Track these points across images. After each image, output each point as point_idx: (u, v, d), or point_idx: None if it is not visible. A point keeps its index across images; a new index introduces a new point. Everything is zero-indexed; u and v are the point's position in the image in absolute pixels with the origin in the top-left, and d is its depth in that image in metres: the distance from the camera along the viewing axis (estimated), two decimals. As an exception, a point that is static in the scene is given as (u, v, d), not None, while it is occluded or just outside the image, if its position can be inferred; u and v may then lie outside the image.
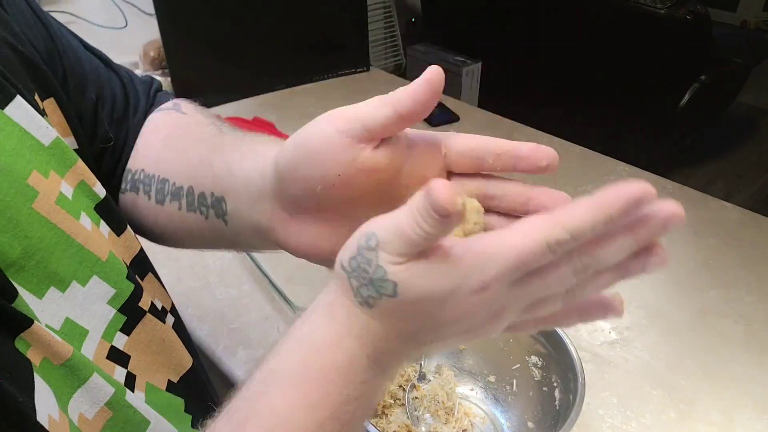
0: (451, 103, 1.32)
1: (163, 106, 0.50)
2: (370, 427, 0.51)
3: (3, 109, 0.33)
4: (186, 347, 0.46)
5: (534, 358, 0.61)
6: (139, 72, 1.36)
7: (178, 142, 0.45)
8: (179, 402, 0.44)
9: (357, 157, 0.31)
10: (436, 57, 2.47)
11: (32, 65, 0.38)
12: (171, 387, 0.43)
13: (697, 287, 0.82)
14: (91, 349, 0.36)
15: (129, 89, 0.49)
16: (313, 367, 0.29)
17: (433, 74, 0.30)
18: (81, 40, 0.48)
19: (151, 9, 1.23)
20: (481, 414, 0.63)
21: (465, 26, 2.50)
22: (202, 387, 0.48)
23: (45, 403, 0.30)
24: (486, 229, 0.30)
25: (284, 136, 1.15)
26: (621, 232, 0.27)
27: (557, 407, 0.56)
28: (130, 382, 0.39)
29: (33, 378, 0.30)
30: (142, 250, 0.44)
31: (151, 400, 0.40)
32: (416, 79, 0.30)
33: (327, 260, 0.35)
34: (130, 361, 0.39)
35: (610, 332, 0.75)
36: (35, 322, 0.30)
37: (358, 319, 0.29)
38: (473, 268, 0.27)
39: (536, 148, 0.31)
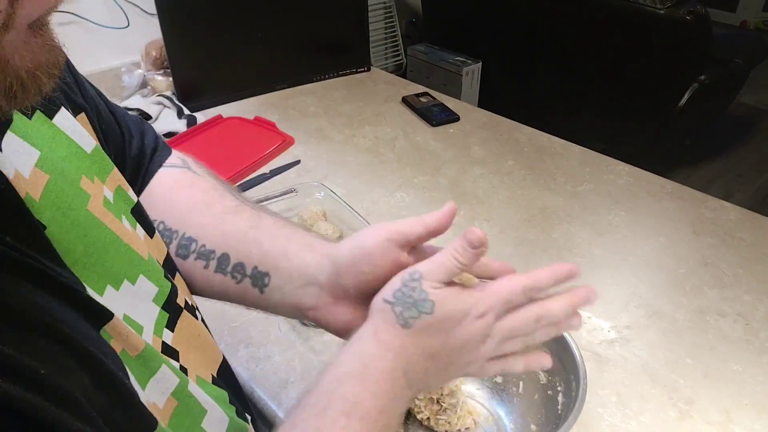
0: (451, 102, 1.32)
1: (171, 162, 0.54)
2: None
3: (51, 119, 0.36)
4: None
5: None
6: (140, 71, 1.37)
7: (208, 209, 0.51)
8: (224, 394, 0.46)
9: (398, 257, 0.43)
10: (436, 57, 2.48)
11: (63, 90, 0.41)
12: (215, 381, 0.46)
13: (696, 286, 0.82)
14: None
15: (126, 130, 0.52)
16: (369, 370, 0.38)
17: (451, 206, 0.43)
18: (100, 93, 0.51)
19: (153, 9, 1.24)
20: (485, 413, 0.64)
21: (465, 26, 2.51)
22: (235, 379, 0.51)
23: (136, 388, 0.32)
24: None
25: (285, 136, 1.14)
26: (564, 297, 0.42)
27: (559, 412, 0.57)
28: (184, 374, 0.41)
29: (124, 364, 0.32)
30: (169, 252, 0.47)
31: (204, 390, 0.42)
32: (441, 209, 0.43)
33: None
34: (180, 356, 0.42)
35: (609, 331, 0.75)
36: (115, 315, 0.33)
37: (397, 340, 0.39)
38: (479, 299, 0.40)
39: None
